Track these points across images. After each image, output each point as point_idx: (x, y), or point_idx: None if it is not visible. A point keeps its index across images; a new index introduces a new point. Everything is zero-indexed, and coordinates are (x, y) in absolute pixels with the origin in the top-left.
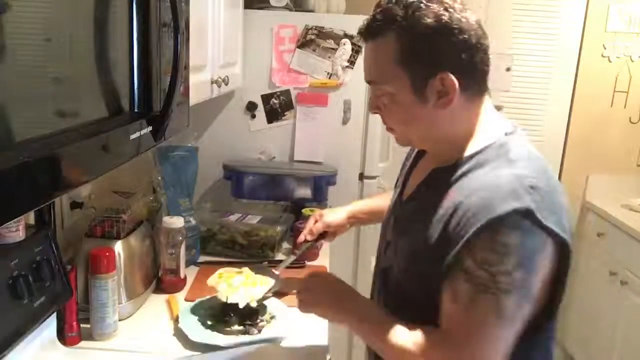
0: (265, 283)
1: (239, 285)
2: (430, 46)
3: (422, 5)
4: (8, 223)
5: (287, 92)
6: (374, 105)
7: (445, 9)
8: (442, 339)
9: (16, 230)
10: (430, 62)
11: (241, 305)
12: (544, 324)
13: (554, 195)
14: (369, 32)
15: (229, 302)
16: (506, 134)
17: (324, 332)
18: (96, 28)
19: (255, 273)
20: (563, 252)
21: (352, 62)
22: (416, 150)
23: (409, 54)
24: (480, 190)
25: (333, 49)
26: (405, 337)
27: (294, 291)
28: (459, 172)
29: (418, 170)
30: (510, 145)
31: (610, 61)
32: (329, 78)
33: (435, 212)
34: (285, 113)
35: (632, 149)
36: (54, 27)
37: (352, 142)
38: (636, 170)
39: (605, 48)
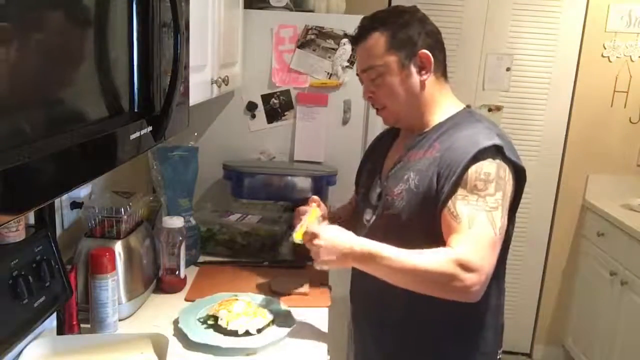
0: (264, 314)
1: (240, 313)
2: (408, 33)
3: (395, 12)
4: (8, 223)
5: (287, 92)
6: (368, 90)
7: (414, 13)
8: (458, 247)
9: (16, 230)
10: (411, 43)
11: (240, 332)
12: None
13: (510, 142)
14: (358, 38)
15: (229, 329)
16: (467, 106)
17: (324, 333)
18: (96, 28)
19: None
20: (520, 179)
21: (352, 62)
22: (372, 145)
23: (394, 40)
24: (463, 138)
25: (333, 49)
26: (414, 256)
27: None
28: (440, 131)
29: (393, 151)
30: (475, 112)
31: (610, 61)
32: (329, 78)
33: (422, 162)
34: (285, 113)
35: (632, 149)
36: (53, 27)
37: (352, 142)
38: (636, 170)
39: (605, 48)
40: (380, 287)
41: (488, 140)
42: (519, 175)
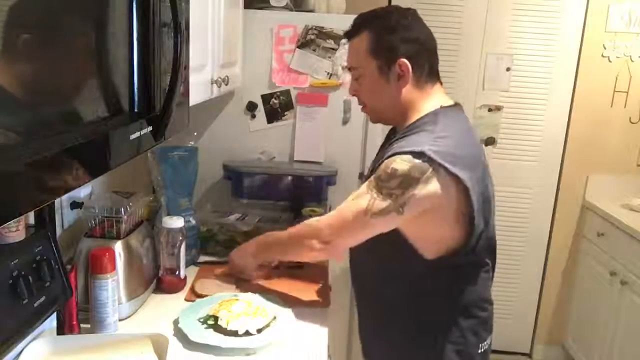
0: (264, 314)
1: (240, 313)
2: (391, 40)
3: (387, 14)
4: (8, 223)
5: (287, 92)
6: (353, 88)
7: (404, 17)
8: (325, 216)
9: (16, 230)
10: (391, 51)
11: (240, 333)
12: (462, 261)
13: (458, 147)
14: (350, 33)
15: (229, 329)
16: (441, 107)
17: (324, 333)
18: (96, 28)
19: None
20: (464, 190)
21: None
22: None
23: (377, 45)
24: (402, 142)
25: (333, 49)
26: (295, 229)
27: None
28: (404, 133)
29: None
30: (441, 113)
31: (610, 61)
32: (329, 78)
33: (377, 161)
34: (285, 113)
35: (632, 149)
36: (53, 27)
37: (352, 142)
38: (636, 170)
39: (605, 48)
40: (362, 272)
41: (414, 145)
42: (460, 183)
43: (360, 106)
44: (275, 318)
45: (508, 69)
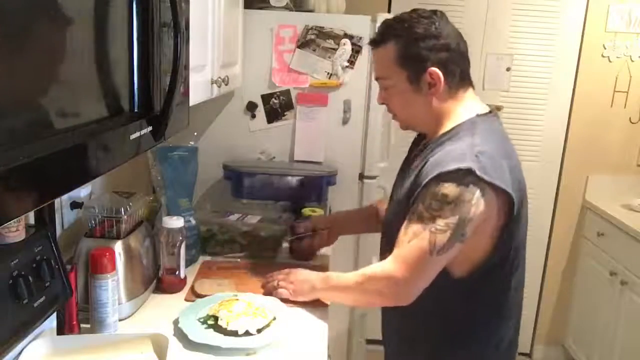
0: (264, 314)
1: (240, 313)
2: (420, 49)
3: (413, 20)
4: (8, 223)
5: (287, 92)
6: (381, 97)
7: (432, 22)
8: (387, 261)
9: (16, 230)
10: (420, 60)
11: (240, 333)
12: (498, 270)
13: (498, 159)
14: (375, 42)
15: (229, 329)
16: (478, 115)
17: (324, 333)
18: (96, 28)
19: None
20: (509, 202)
21: (352, 62)
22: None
23: (404, 55)
24: (445, 152)
25: (333, 49)
26: (354, 276)
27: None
28: (439, 141)
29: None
30: (478, 122)
31: (610, 61)
32: (329, 78)
33: (413, 173)
34: (285, 113)
35: (632, 149)
36: (53, 27)
37: (352, 142)
38: (636, 170)
39: (605, 48)
40: None
41: (458, 162)
42: (507, 197)
43: (391, 115)
44: (275, 318)
45: (508, 69)
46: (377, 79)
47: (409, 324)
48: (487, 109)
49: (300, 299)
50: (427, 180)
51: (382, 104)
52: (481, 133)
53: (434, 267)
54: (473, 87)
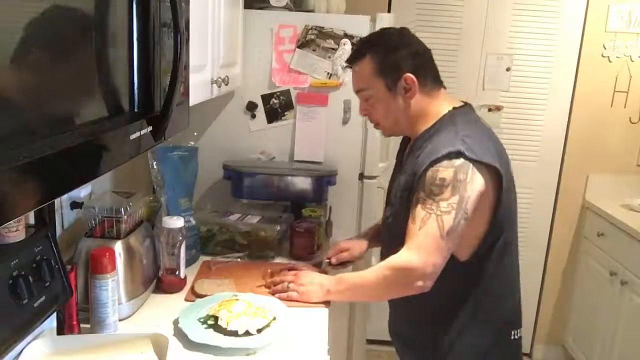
0: (264, 314)
1: (240, 313)
2: (394, 58)
3: (385, 35)
4: (8, 223)
5: (287, 92)
6: (363, 108)
7: (402, 35)
8: (403, 251)
9: (16, 230)
10: (396, 68)
11: (240, 333)
12: (497, 251)
13: (482, 140)
14: (353, 59)
15: (229, 329)
16: (454, 108)
17: (324, 333)
18: (96, 28)
19: None
20: (498, 176)
21: None
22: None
23: (381, 65)
24: (433, 143)
25: (333, 49)
26: (373, 272)
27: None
28: (425, 137)
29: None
30: (456, 114)
31: (610, 61)
32: (329, 78)
33: (409, 165)
34: (285, 113)
35: (632, 149)
36: (53, 27)
37: (352, 142)
38: (636, 170)
39: (605, 48)
40: None
41: (447, 147)
42: (496, 171)
43: (373, 124)
44: (275, 318)
45: (508, 69)
46: (357, 92)
47: (419, 310)
48: (461, 103)
49: (313, 301)
50: (422, 169)
51: (365, 115)
52: (461, 122)
53: (448, 247)
54: (445, 87)
